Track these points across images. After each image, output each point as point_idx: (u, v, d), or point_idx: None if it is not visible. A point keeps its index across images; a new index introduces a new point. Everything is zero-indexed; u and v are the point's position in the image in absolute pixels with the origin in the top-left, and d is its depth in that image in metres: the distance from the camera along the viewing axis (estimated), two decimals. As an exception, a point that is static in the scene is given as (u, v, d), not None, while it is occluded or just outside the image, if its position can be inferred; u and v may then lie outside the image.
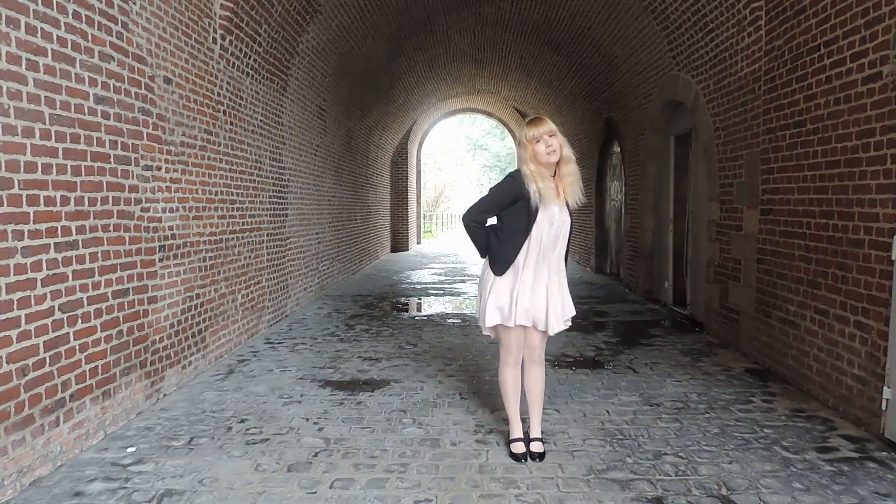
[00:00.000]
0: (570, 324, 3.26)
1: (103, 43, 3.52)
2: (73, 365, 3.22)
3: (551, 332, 3.16)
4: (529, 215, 3.00)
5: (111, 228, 3.59)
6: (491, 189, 3.17)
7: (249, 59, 5.75)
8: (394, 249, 16.78)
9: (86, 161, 3.35)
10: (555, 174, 3.08)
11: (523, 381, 3.34)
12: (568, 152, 3.05)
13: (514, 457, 3.19)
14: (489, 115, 19.06)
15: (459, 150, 42.45)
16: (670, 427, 3.62)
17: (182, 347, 4.46)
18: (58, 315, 3.11)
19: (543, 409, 3.88)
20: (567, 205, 3.10)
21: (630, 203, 9.19)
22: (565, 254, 3.20)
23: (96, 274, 3.44)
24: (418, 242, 19.76)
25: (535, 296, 3.09)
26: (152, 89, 4.08)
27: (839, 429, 3.59)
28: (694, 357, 5.22)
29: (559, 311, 3.15)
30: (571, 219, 3.14)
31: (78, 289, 3.27)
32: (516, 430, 3.31)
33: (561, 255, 3.16)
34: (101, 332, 3.48)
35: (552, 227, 3.05)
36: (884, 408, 3.40)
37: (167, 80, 4.28)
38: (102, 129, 3.51)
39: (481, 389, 4.35)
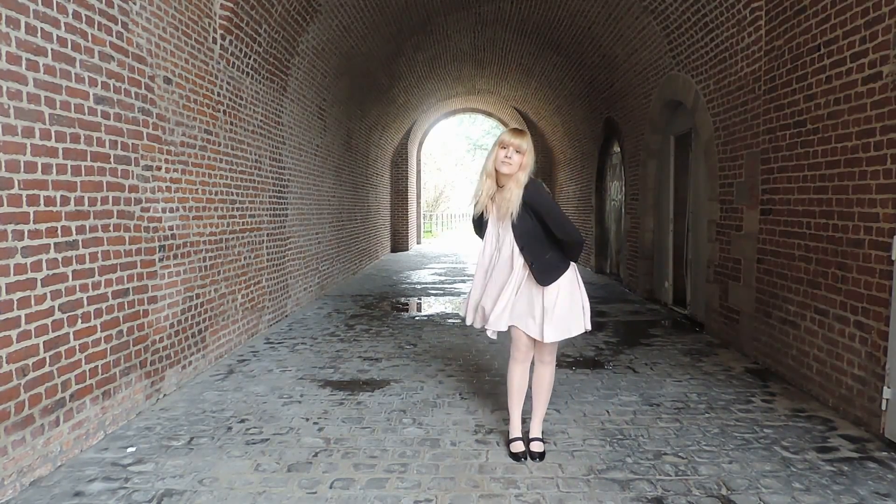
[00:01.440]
0: (547, 340, 3.13)
1: (103, 43, 3.52)
2: (73, 365, 3.22)
3: (491, 328, 3.14)
4: (480, 219, 3.29)
5: (111, 228, 3.59)
6: None
7: (249, 59, 5.75)
8: (394, 249, 16.78)
9: (86, 161, 3.35)
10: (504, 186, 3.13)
11: (531, 380, 3.35)
12: (523, 177, 3.05)
13: (513, 456, 3.20)
14: (489, 115, 19.04)
15: (459, 150, 42.46)
16: (670, 427, 3.62)
17: (182, 347, 4.46)
18: (58, 315, 3.11)
19: (543, 409, 3.90)
20: (513, 226, 3.10)
21: (630, 203, 9.19)
22: (535, 274, 3.11)
23: (96, 274, 3.44)
24: (418, 242, 19.76)
25: (491, 296, 3.20)
26: (152, 89, 4.08)
27: (839, 429, 3.59)
28: (694, 357, 5.22)
29: (508, 314, 3.12)
30: (520, 244, 3.09)
31: (78, 289, 3.27)
32: (515, 430, 3.31)
33: (518, 268, 3.11)
34: (101, 332, 3.48)
35: (498, 229, 3.20)
36: (884, 408, 3.40)
37: (167, 80, 4.28)
38: (102, 129, 3.51)
39: (481, 389, 4.35)
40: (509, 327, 3.22)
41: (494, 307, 3.13)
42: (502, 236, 3.17)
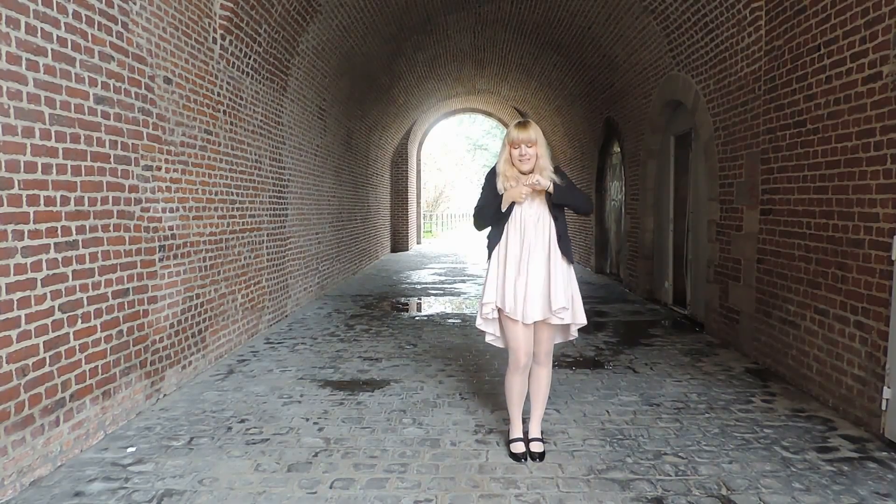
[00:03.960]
0: (567, 320, 3.19)
1: (103, 43, 3.52)
2: (73, 365, 3.22)
3: (527, 321, 3.12)
4: (503, 210, 3.14)
5: (111, 228, 3.59)
6: (481, 190, 3.29)
7: (249, 59, 5.75)
8: (394, 249, 16.78)
9: (86, 161, 3.35)
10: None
11: (529, 382, 3.34)
12: (545, 163, 3.11)
13: (514, 456, 3.20)
14: (489, 115, 19.05)
15: (459, 150, 42.48)
16: (670, 427, 3.62)
17: (182, 347, 4.46)
18: (58, 315, 3.11)
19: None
20: (549, 203, 3.13)
21: (630, 203, 9.19)
22: (561, 248, 3.17)
23: (96, 274, 3.44)
24: (418, 242, 19.76)
25: (519, 285, 3.12)
26: (152, 89, 4.08)
27: (839, 429, 3.59)
28: (694, 357, 5.22)
29: (543, 302, 3.11)
30: (555, 214, 3.15)
31: (78, 289, 3.27)
32: (516, 431, 3.31)
33: (547, 248, 3.14)
34: (101, 332, 3.48)
35: (526, 222, 3.13)
36: (884, 408, 3.40)
37: (167, 80, 4.28)
38: (102, 129, 3.51)
39: (481, 389, 4.35)
40: (501, 338, 3.31)
41: (551, 292, 3.09)
42: (535, 219, 3.13)
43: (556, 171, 3.17)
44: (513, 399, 3.29)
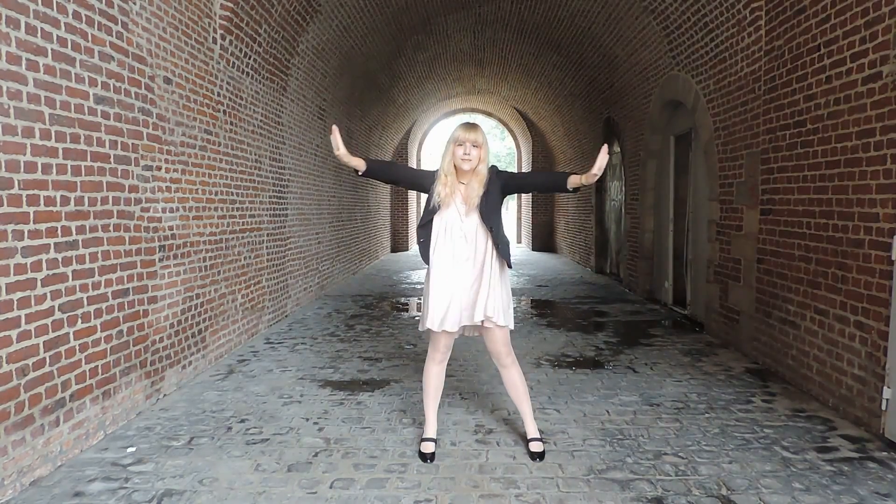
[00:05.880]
0: (500, 323, 3.11)
1: (103, 43, 3.52)
2: (73, 365, 3.22)
3: (453, 329, 3.10)
4: (429, 211, 3.11)
5: (111, 228, 3.59)
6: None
7: (249, 59, 5.75)
8: (394, 249, 16.78)
9: (86, 161, 3.35)
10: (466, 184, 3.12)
11: (506, 388, 3.34)
12: (483, 169, 3.07)
13: (422, 456, 3.18)
14: (489, 115, 19.02)
15: (459, 150, 42.36)
16: (670, 427, 3.62)
17: (182, 347, 4.46)
18: (58, 315, 3.11)
19: (543, 408, 3.90)
20: (480, 211, 3.07)
21: (630, 203, 9.19)
22: (498, 256, 3.13)
23: (96, 274, 3.44)
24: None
25: (445, 294, 3.10)
26: (152, 89, 4.08)
27: (839, 429, 3.59)
28: (694, 357, 5.22)
29: (472, 311, 3.08)
30: (488, 225, 3.08)
31: (78, 289, 3.27)
32: (430, 430, 3.30)
33: (480, 256, 3.10)
34: (101, 332, 3.48)
35: (455, 228, 3.08)
36: (884, 408, 3.41)
37: (167, 80, 4.28)
38: (102, 129, 3.51)
39: (481, 389, 4.35)
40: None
41: (478, 301, 3.06)
42: (465, 228, 3.09)
43: (497, 171, 3.13)
44: (429, 392, 3.28)
